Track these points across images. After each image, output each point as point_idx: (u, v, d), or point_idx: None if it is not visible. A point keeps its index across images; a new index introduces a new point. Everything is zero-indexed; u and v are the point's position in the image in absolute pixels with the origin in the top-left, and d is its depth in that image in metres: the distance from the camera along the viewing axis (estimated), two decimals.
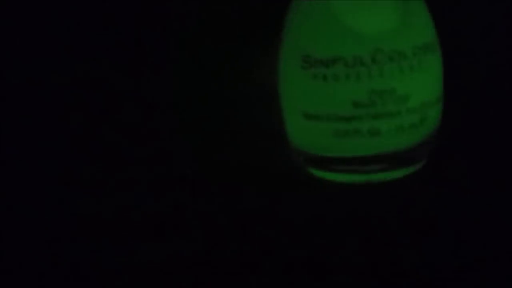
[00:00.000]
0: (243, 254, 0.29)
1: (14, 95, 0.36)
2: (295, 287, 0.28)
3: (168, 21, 0.36)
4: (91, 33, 0.36)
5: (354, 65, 0.29)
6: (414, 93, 0.29)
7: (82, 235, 0.30)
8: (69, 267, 0.29)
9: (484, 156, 0.33)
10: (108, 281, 0.28)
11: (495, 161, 0.33)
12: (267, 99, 0.32)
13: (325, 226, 0.30)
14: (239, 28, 0.34)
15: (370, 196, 0.31)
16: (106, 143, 0.35)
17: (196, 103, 0.36)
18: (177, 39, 0.35)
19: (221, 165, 0.34)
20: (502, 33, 0.36)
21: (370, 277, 0.28)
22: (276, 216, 0.31)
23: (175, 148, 0.34)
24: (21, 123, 0.35)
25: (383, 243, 0.30)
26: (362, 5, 0.29)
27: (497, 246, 0.29)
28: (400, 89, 0.29)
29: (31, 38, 0.36)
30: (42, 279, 0.29)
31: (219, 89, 0.36)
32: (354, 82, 0.29)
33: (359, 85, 0.29)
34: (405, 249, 0.29)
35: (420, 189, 0.32)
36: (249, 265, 0.29)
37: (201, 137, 0.35)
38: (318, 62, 0.29)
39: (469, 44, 0.35)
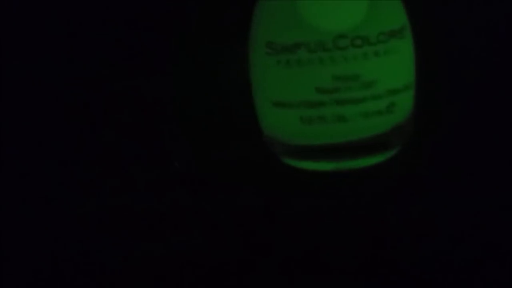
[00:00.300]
0: (241, 253, 0.29)
1: (14, 95, 0.36)
2: (295, 286, 0.28)
3: (168, 21, 0.36)
4: (91, 33, 0.36)
5: (317, 50, 0.28)
6: (379, 79, 0.29)
7: (81, 235, 0.30)
8: (68, 266, 0.29)
9: (483, 156, 0.34)
10: (108, 280, 0.28)
11: (495, 161, 0.33)
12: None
13: (323, 221, 0.30)
14: (236, 28, 0.34)
15: (361, 191, 0.31)
16: (106, 143, 0.35)
17: (193, 102, 0.36)
18: (177, 39, 0.36)
19: (218, 163, 0.34)
20: (501, 32, 0.36)
21: (363, 276, 0.28)
22: (272, 213, 0.31)
23: (175, 148, 0.34)
24: (21, 123, 0.35)
25: (377, 240, 0.30)
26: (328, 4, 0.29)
27: (497, 246, 0.29)
28: (364, 75, 0.29)
29: (31, 38, 0.36)
30: (41, 278, 0.28)
31: (216, 88, 0.36)
32: (317, 67, 0.29)
33: (322, 70, 0.29)
34: (400, 247, 0.29)
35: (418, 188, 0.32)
36: (248, 264, 0.29)
37: (199, 136, 0.35)
38: (282, 48, 0.29)
39: (468, 44, 0.36)
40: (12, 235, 0.30)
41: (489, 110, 0.35)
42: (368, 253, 0.29)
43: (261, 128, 0.32)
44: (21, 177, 0.33)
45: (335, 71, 0.29)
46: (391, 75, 0.29)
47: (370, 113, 0.29)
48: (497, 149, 0.34)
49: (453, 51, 0.34)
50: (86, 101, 0.36)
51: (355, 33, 0.28)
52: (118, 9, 0.36)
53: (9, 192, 0.32)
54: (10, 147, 0.34)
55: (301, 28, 0.29)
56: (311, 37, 0.28)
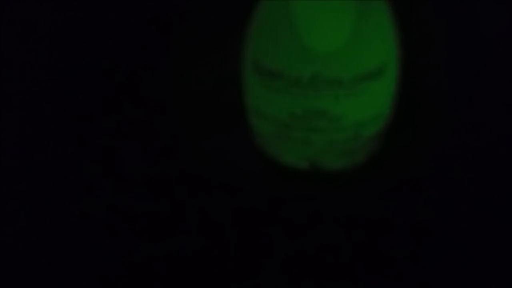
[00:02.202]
0: (241, 253, 0.29)
1: (13, 94, 0.35)
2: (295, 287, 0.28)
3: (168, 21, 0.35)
4: (90, 33, 0.35)
5: (293, 85, 0.29)
6: (347, 115, 0.30)
7: (81, 235, 0.30)
8: (68, 266, 0.29)
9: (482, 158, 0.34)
10: (107, 280, 0.29)
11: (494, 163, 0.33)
12: None
13: (323, 221, 0.31)
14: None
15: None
16: (106, 143, 0.35)
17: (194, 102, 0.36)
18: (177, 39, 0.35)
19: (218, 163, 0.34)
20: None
21: (362, 276, 0.28)
22: (272, 214, 0.31)
23: (175, 147, 0.34)
24: (21, 123, 0.35)
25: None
26: (318, 21, 0.29)
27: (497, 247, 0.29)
28: (332, 112, 0.30)
29: (30, 37, 0.36)
30: (41, 279, 0.29)
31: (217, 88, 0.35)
32: (291, 98, 0.30)
33: (295, 102, 0.30)
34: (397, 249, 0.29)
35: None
36: (248, 264, 0.29)
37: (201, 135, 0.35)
38: (265, 71, 0.30)
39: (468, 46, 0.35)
40: (11, 235, 0.31)
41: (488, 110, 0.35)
42: (367, 253, 0.29)
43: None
44: (21, 177, 0.33)
45: (306, 106, 0.30)
46: (359, 111, 0.30)
47: (335, 142, 0.31)
48: (497, 150, 0.33)
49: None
50: (86, 101, 0.35)
51: (330, 76, 0.29)
52: (117, 9, 0.35)
53: (9, 192, 0.33)
54: (10, 147, 0.34)
55: (285, 60, 0.29)
56: (290, 71, 0.29)
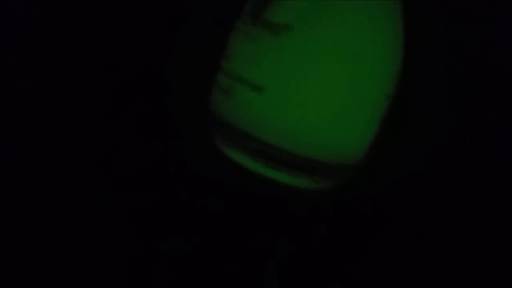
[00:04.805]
0: (241, 253, 0.30)
1: (13, 93, 0.36)
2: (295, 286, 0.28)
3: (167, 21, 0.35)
4: (90, 34, 0.35)
5: None
6: None
7: (81, 235, 0.30)
8: (67, 266, 0.29)
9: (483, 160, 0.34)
10: (108, 279, 0.29)
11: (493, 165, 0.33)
12: None
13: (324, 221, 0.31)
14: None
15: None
16: (106, 142, 0.35)
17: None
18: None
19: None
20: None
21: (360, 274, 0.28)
22: (271, 213, 0.31)
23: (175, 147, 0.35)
24: (20, 123, 0.35)
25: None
26: None
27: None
28: None
29: (30, 36, 0.36)
30: (39, 279, 0.29)
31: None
32: None
33: None
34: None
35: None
36: (248, 264, 0.29)
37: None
38: None
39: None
40: (11, 235, 0.31)
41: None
42: (367, 253, 0.29)
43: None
44: (21, 177, 0.33)
45: None
46: None
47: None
48: (497, 149, 0.34)
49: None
50: (86, 101, 0.36)
51: None
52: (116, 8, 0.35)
53: (9, 192, 0.32)
54: (10, 147, 0.34)
55: None
56: None
